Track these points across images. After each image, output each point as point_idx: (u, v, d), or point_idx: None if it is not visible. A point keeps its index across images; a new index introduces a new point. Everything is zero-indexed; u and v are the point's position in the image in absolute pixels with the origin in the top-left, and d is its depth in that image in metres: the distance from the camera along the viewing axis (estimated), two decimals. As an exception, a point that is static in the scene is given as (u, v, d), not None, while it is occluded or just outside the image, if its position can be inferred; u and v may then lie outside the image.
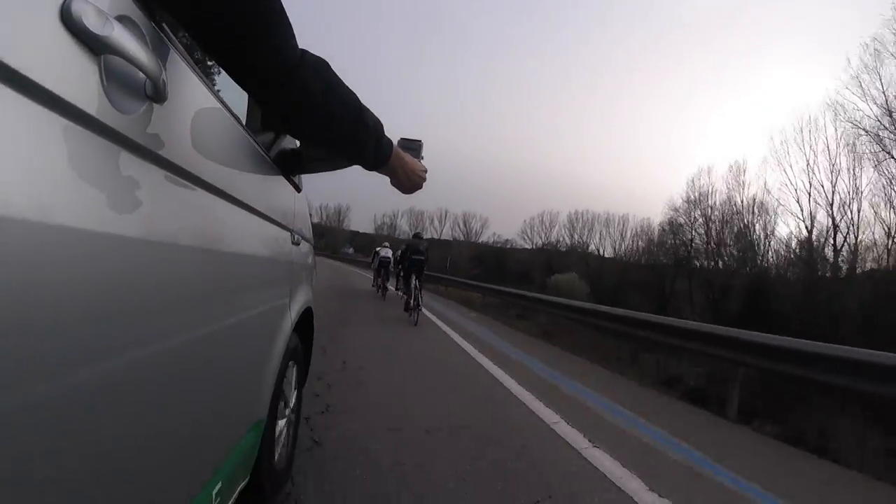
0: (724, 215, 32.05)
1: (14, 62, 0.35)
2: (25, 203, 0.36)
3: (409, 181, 1.03)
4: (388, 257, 12.11)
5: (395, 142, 0.98)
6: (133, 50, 0.47)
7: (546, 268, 50.14)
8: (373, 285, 13.18)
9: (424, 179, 1.07)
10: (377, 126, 0.88)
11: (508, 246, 66.15)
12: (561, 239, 59.50)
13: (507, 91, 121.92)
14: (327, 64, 0.77)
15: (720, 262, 31.37)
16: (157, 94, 0.55)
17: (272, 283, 1.27)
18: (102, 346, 0.48)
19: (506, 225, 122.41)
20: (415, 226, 71.68)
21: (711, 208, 33.33)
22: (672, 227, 36.38)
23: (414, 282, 7.94)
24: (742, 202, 31.22)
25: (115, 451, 0.53)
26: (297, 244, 1.62)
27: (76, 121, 0.43)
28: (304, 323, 1.84)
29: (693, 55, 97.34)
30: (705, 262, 32.64)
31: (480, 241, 69.21)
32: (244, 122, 1.01)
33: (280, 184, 1.35)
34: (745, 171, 34.84)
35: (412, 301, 7.77)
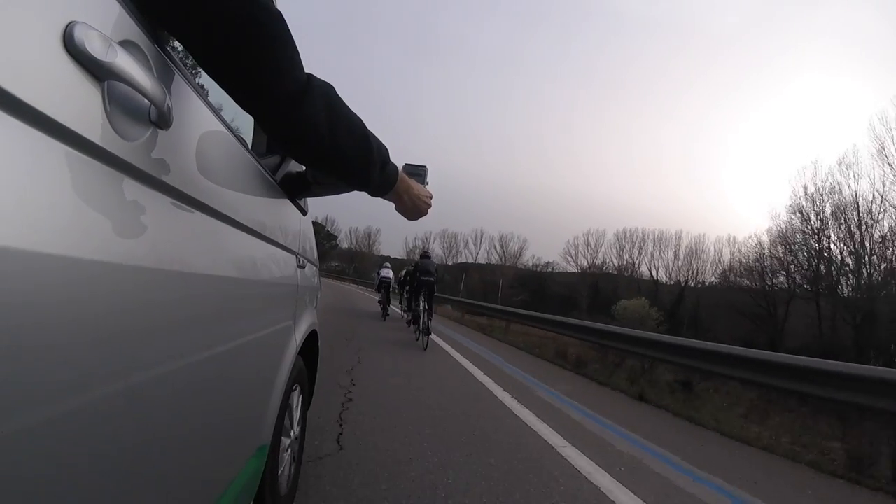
0: (847, 217, 25.57)
1: (15, 89, 0.34)
2: (29, 233, 0.36)
3: (414, 207, 1.03)
4: (389, 277, 12.29)
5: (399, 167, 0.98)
6: (137, 75, 0.46)
7: (593, 292, 46.45)
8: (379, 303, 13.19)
9: (430, 205, 1.06)
10: (382, 151, 0.87)
11: (549, 269, 60.61)
12: (608, 260, 54.28)
13: (543, 108, 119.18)
14: (333, 89, 0.77)
15: (861, 278, 24.24)
16: (161, 119, 0.54)
17: (277, 306, 1.27)
18: (106, 373, 0.47)
19: (547, 246, 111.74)
20: (448, 248, 68.79)
21: (831, 213, 26.37)
22: (782, 237, 29.10)
23: (423, 304, 7.45)
24: (870, 199, 24.52)
25: (116, 478, 0.51)
26: (303, 267, 1.61)
27: (79, 148, 0.42)
28: (309, 345, 1.82)
29: (739, 63, 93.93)
30: (840, 279, 25.30)
31: (519, 264, 62.90)
32: (250, 146, 1.01)
33: (286, 207, 1.35)
34: (854, 166, 27.54)
35: (421, 325, 7.29)
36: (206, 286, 0.74)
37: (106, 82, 0.45)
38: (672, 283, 48.55)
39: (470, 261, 67.29)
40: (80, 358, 0.43)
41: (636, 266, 52.19)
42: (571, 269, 57.17)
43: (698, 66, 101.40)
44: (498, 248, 65.75)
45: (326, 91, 0.75)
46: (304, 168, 1.33)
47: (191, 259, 0.67)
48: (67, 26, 0.39)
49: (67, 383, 0.41)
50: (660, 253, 50.92)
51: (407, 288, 9.46)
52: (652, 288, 46.80)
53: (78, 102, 0.42)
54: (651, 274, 51.25)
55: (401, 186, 0.96)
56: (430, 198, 1.07)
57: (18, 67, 0.35)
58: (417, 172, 1.11)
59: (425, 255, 8.90)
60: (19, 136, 0.36)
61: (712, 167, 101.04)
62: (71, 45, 0.39)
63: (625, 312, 30.46)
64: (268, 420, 1.21)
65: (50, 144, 0.39)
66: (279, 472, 1.49)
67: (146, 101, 0.50)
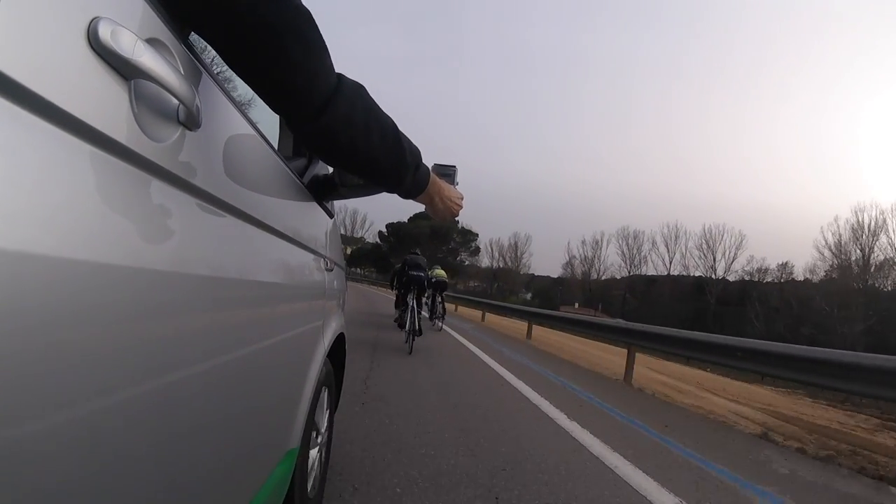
0: None
1: (38, 87, 0.33)
2: (55, 235, 0.34)
3: (445, 209, 1.01)
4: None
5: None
6: (165, 74, 0.45)
7: (867, 310, 27.41)
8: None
9: (461, 206, 1.05)
10: (414, 154, 0.85)
11: (784, 275, 41.13)
12: (887, 253, 34.03)
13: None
14: (364, 89, 0.74)
15: None
16: (190, 119, 0.53)
17: (306, 310, 1.26)
18: (135, 378, 0.46)
19: (773, 241, 74.15)
20: (627, 255, 54.06)
21: None
22: None
23: (412, 303, 6.63)
24: None
25: (147, 482, 0.51)
26: (331, 270, 1.61)
27: (105, 149, 0.41)
28: (337, 348, 1.82)
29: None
30: None
31: (731, 272, 44.30)
32: (276, 148, 1.00)
33: (313, 210, 1.35)
34: None
35: (408, 325, 6.30)
36: (235, 289, 0.73)
37: (133, 81, 0.43)
38: None
39: (660, 271, 48.52)
40: (109, 362, 0.42)
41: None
42: (819, 270, 37.70)
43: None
44: (703, 247, 46.50)
45: (358, 92, 0.73)
46: (331, 170, 1.32)
47: (220, 263, 0.66)
48: (91, 22, 0.38)
49: (96, 387, 0.40)
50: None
51: (395, 283, 8.77)
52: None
53: (104, 102, 0.40)
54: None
55: (432, 188, 0.95)
56: (461, 199, 1.05)
57: (41, 64, 0.33)
58: (447, 173, 1.09)
59: (414, 252, 8.14)
60: (43, 137, 0.35)
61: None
62: (96, 42, 0.38)
63: None
64: (297, 424, 1.20)
65: (75, 145, 0.38)
66: (308, 475, 1.48)
67: (174, 101, 0.49)
